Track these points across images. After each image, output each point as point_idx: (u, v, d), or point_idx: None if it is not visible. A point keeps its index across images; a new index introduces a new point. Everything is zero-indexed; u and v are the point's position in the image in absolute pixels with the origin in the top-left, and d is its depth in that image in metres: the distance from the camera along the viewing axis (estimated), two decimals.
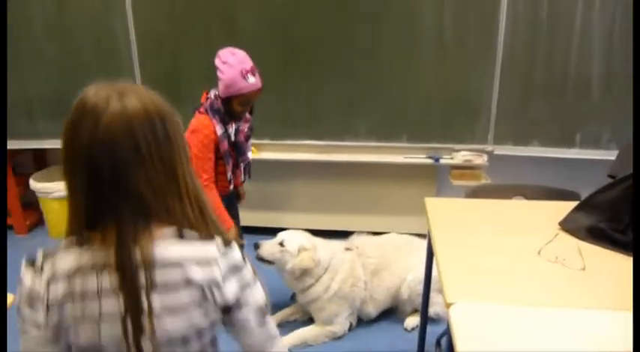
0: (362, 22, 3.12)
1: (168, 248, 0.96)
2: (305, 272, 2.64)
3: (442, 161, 3.28)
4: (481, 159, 3.21)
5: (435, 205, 2.21)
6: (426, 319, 2.52)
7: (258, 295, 1.08)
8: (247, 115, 2.53)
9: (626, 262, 1.69)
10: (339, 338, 2.75)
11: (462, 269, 1.72)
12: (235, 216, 2.76)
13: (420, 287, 2.74)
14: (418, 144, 3.30)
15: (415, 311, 2.88)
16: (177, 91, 3.31)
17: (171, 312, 0.96)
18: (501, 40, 3.04)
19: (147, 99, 0.95)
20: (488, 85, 3.13)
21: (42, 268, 0.94)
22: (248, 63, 2.33)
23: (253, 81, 2.33)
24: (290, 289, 2.84)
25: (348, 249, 2.81)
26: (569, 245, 1.83)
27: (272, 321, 1.14)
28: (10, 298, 1.59)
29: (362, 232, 3.00)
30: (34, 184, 3.73)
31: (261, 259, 2.69)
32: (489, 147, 3.25)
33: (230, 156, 2.48)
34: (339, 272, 2.71)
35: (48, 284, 0.93)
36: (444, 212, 2.15)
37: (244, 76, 2.29)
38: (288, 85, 3.29)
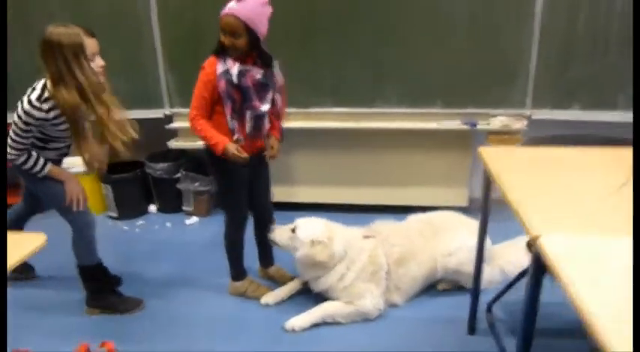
0: None
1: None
2: (318, 266, 2.51)
3: (479, 126, 3.16)
4: (520, 124, 3.09)
5: (492, 154, 2.08)
6: (478, 283, 2.40)
7: None
8: (260, 63, 2.36)
9: None
10: (373, 319, 2.56)
11: (538, 206, 1.61)
12: (257, 179, 2.62)
13: (460, 267, 2.66)
14: (453, 109, 3.19)
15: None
16: (197, 55, 3.17)
17: None
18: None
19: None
20: (526, 45, 3.01)
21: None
22: None
23: (229, 5, 2.20)
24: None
25: (367, 237, 2.66)
26: None
27: None
28: None
29: (386, 218, 2.85)
30: None
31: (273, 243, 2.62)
32: (527, 112, 3.13)
33: (231, 99, 2.32)
34: (355, 262, 2.55)
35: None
36: (504, 160, 2.03)
37: (227, 3, 2.21)
38: (315, 50, 3.17)
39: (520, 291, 1.85)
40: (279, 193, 3.43)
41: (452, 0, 3.01)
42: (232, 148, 2.32)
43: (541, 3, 2.93)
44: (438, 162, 3.45)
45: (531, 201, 1.64)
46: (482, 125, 3.17)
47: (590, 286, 1.19)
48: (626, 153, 1.94)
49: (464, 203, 3.47)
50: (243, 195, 2.60)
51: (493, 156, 2.06)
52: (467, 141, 3.36)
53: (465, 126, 3.19)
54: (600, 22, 2.93)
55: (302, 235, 2.53)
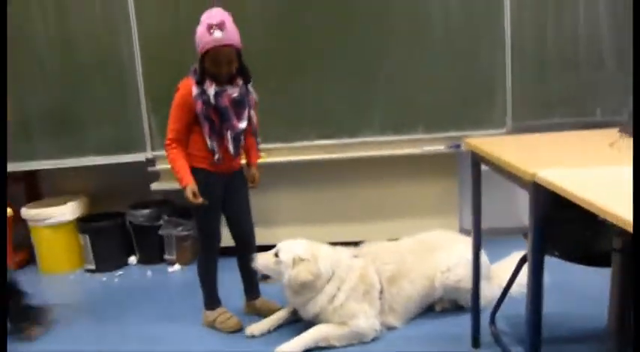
0: (367, 14, 3.12)
1: None
2: (304, 286, 2.36)
3: (463, 148, 3.15)
4: None
5: (480, 141, 2.05)
6: (478, 295, 2.27)
7: None
8: (239, 80, 2.36)
9: None
10: (370, 340, 2.39)
11: (530, 160, 1.56)
12: (235, 198, 2.54)
13: (459, 283, 2.53)
14: (435, 134, 3.19)
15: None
16: None
17: None
18: (508, 20, 3.05)
19: None
20: (500, 66, 3.10)
21: None
22: (217, 17, 2.20)
23: (219, 36, 2.18)
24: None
25: (356, 257, 2.55)
26: None
27: None
28: None
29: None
30: (26, 212, 3.47)
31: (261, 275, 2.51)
32: (508, 131, 3.14)
33: (208, 120, 2.30)
34: (345, 281, 2.41)
35: None
36: (492, 144, 1.99)
37: (209, 31, 2.18)
38: (297, 85, 3.21)
39: (520, 304, 1.76)
40: (260, 236, 3.27)
41: (428, 29, 3.12)
42: (189, 192, 2.32)
43: (509, 26, 3.07)
44: (425, 192, 3.39)
45: (523, 161, 1.59)
46: (465, 149, 3.16)
47: (593, 192, 1.11)
48: (609, 132, 1.94)
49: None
50: (214, 217, 2.51)
51: (481, 142, 2.04)
52: (452, 169, 3.35)
53: (448, 150, 3.19)
54: (567, 41, 3.06)
55: (285, 257, 2.40)
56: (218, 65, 2.26)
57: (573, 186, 1.15)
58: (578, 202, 1.06)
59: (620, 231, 0.96)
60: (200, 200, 2.32)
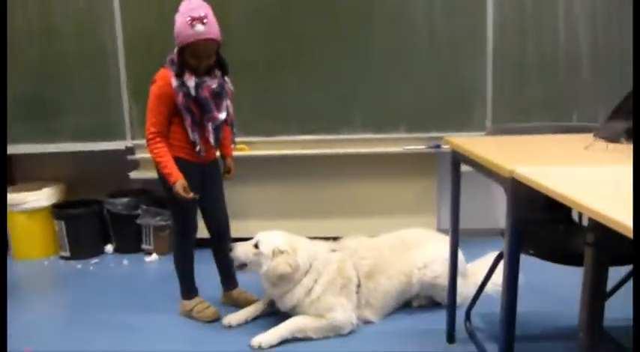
0: (353, 14, 3.17)
1: None
2: (282, 278, 2.38)
3: (443, 148, 3.21)
4: None
5: (460, 140, 2.09)
6: (454, 292, 2.31)
7: None
8: (217, 72, 2.36)
9: None
10: (347, 334, 2.42)
11: (508, 156, 1.61)
12: (211, 188, 2.54)
13: (435, 280, 2.57)
14: (416, 134, 3.24)
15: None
16: None
17: None
18: (490, 27, 3.13)
19: None
20: (482, 71, 3.17)
21: None
22: (199, 11, 2.18)
23: (201, 29, 2.16)
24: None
25: (334, 251, 2.58)
26: (613, 146, 1.76)
27: None
28: None
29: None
30: None
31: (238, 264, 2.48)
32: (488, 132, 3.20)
33: (190, 112, 2.30)
34: (323, 274, 2.44)
35: None
36: (473, 143, 2.03)
37: (191, 25, 2.16)
38: (281, 80, 3.23)
39: (494, 302, 1.81)
40: (238, 229, 3.27)
41: (414, 33, 3.17)
42: (180, 187, 2.30)
43: (491, 32, 3.14)
44: (404, 191, 3.44)
45: (502, 159, 1.63)
46: (445, 150, 3.21)
47: (569, 188, 1.15)
48: (585, 136, 2.00)
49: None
50: (191, 207, 2.49)
51: (462, 141, 2.07)
52: (432, 169, 3.41)
53: (429, 149, 3.24)
54: (547, 49, 3.14)
55: (265, 249, 2.41)
56: (199, 58, 2.25)
57: (550, 182, 1.19)
58: (555, 197, 1.10)
59: (594, 226, 0.99)
60: (191, 195, 2.32)
